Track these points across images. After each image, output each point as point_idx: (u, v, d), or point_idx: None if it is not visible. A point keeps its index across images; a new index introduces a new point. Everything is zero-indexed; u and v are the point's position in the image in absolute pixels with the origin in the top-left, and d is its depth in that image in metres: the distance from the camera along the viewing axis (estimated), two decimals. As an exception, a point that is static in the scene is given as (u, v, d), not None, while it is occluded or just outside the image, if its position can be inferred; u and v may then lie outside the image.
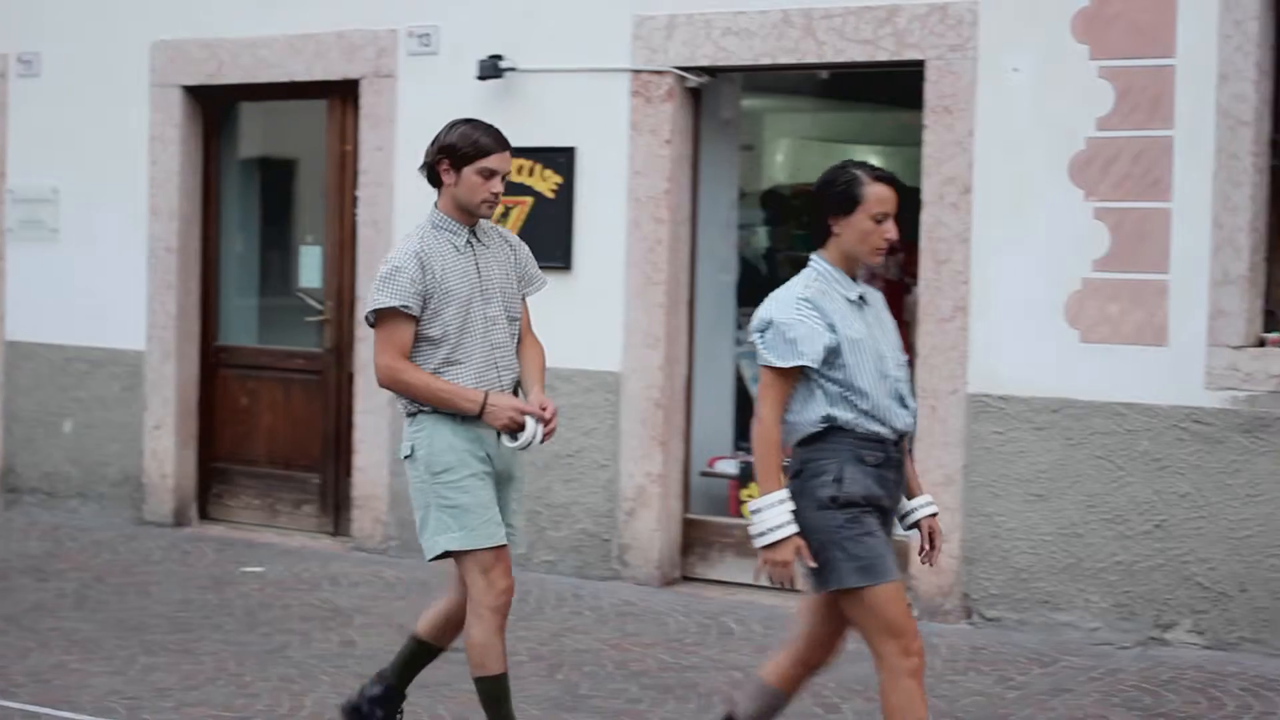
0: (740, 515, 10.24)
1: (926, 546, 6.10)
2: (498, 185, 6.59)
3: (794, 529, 5.80)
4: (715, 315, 10.57)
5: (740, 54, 9.82)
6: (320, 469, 11.69)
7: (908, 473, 6.03)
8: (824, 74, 10.63)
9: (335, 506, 11.62)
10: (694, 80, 10.04)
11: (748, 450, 10.74)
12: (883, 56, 9.41)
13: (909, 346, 10.86)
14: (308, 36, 11.26)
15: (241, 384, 12.05)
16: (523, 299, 6.79)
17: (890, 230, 5.86)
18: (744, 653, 8.57)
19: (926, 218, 9.27)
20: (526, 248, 6.92)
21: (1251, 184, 8.48)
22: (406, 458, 6.58)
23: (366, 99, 11.08)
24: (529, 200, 10.42)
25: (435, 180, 6.65)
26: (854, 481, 5.84)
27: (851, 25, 9.47)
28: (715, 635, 8.98)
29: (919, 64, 9.34)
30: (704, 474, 10.50)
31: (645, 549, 10.13)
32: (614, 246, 10.18)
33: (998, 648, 8.70)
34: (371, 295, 6.53)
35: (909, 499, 6.06)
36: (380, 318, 6.52)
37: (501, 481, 6.62)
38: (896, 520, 6.04)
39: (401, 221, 10.85)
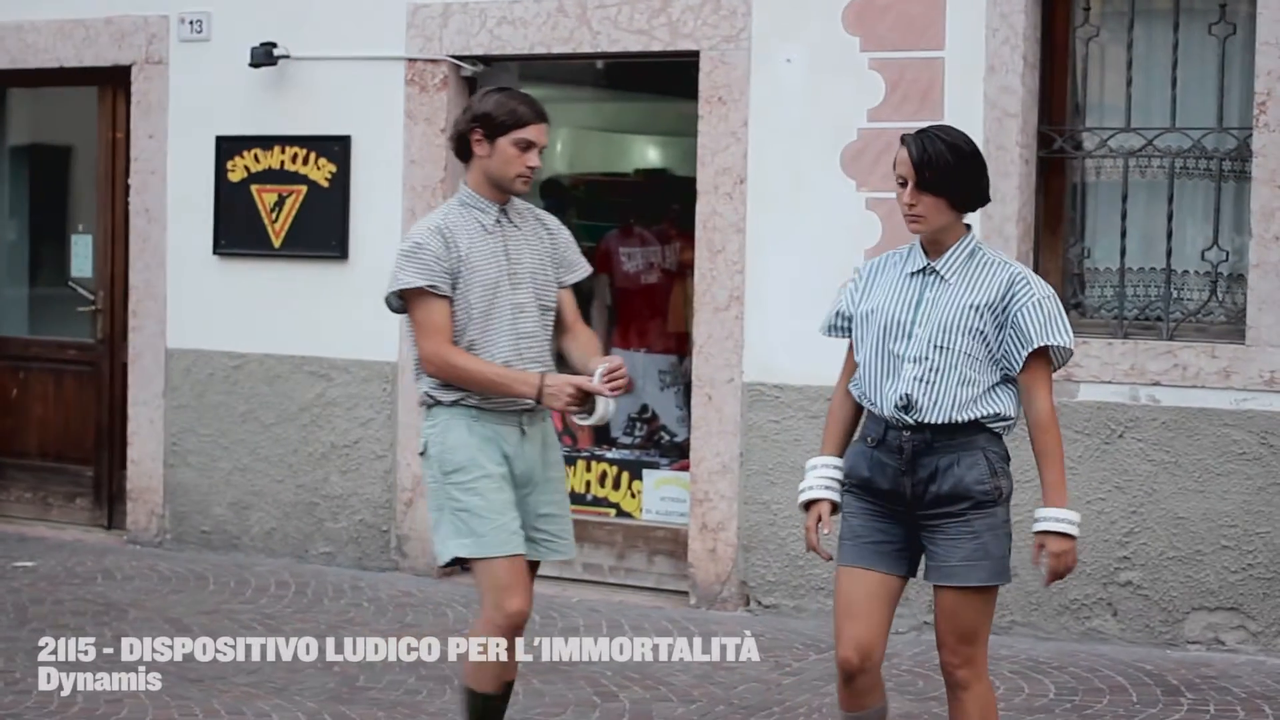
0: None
1: (1039, 564, 5.73)
2: (535, 159, 6.11)
3: (814, 494, 5.77)
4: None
5: (515, 43, 9.82)
6: (94, 461, 11.52)
7: (1043, 480, 5.68)
8: (600, 64, 10.65)
9: (109, 499, 11.45)
10: (469, 69, 10.02)
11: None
12: (657, 47, 9.45)
13: (685, 337, 10.96)
14: (77, 22, 11.07)
15: (12, 375, 11.83)
16: (563, 287, 6.37)
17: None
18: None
19: (702, 208, 9.33)
20: (567, 232, 6.46)
21: (1019, 175, 8.63)
22: (421, 454, 6.22)
23: (138, 86, 10.92)
24: (303, 189, 10.34)
25: (464, 152, 6.20)
26: (849, 456, 5.78)
27: (625, 15, 9.50)
28: (494, 625, 8.97)
29: (693, 54, 9.39)
30: (482, 463, 10.47)
31: (424, 540, 10.09)
32: (390, 236, 10.09)
33: (774, 634, 8.78)
34: (394, 274, 6.12)
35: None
36: (410, 301, 6.11)
37: (525, 484, 6.19)
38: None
39: (175, 209, 10.73)
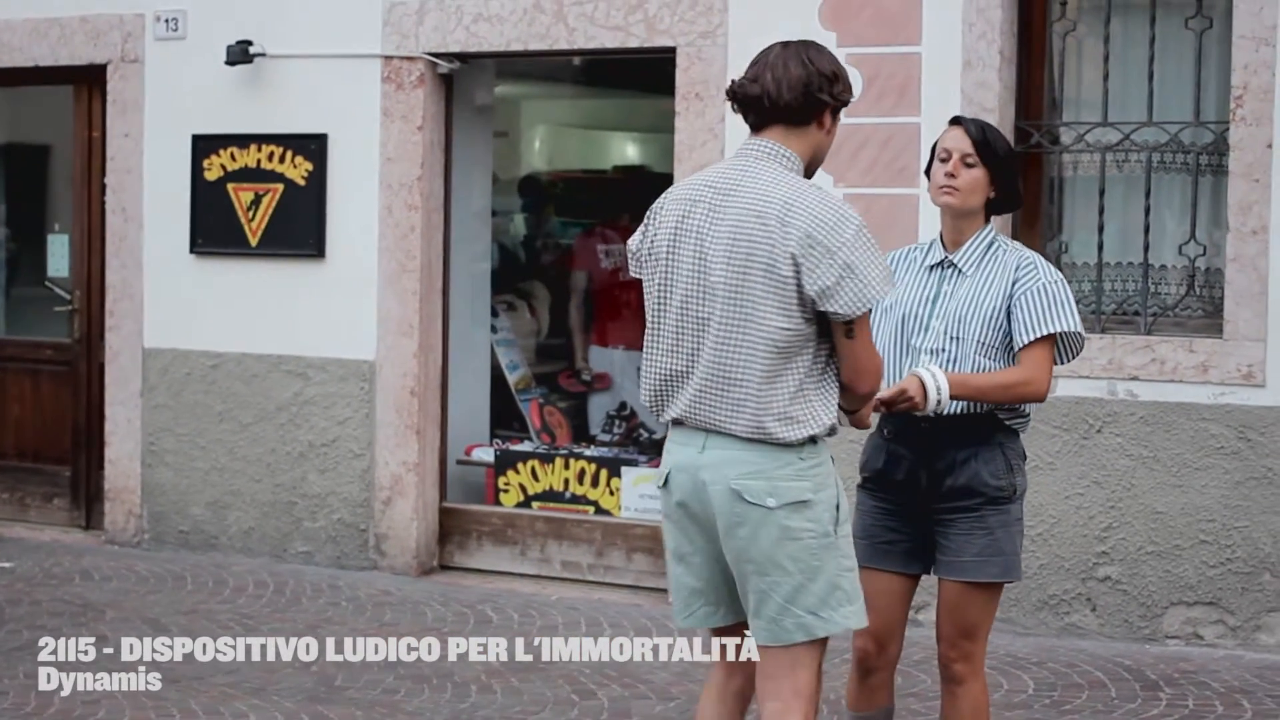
0: (498, 503, 10.23)
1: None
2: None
3: None
4: (470, 302, 10.54)
5: (492, 40, 9.80)
6: (71, 461, 11.48)
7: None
8: (577, 61, 10.64)
9: (87, 499, 11.42)
10: (446, 66, 10.00)
11: (504, 438, 10.77)
12: (634, 43, 9.44)
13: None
14: (52, 21, 11.03)
15: (-11, 375, 11.81)
16: None
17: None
18: (501, 641, 8.55)
19: (679, 204, 9.30)
20: None
21: (996, 170, 8.62)
22: (798, 503, 5.01)
23: (113, 84, 10.88)
24: (280, 187, 10.31)
25: None
26: (864, 449, 5.83)
27: (602, 12, 9.48)
28: (473, 624, 8.96)
29: (670, 50, 9.38)
30: (460, 462, 10.48)
31: (402, 538, 10.08)
32: (366, 234, 10.11)
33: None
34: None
35: None
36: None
37: None
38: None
39: (151, 209, 10.70)
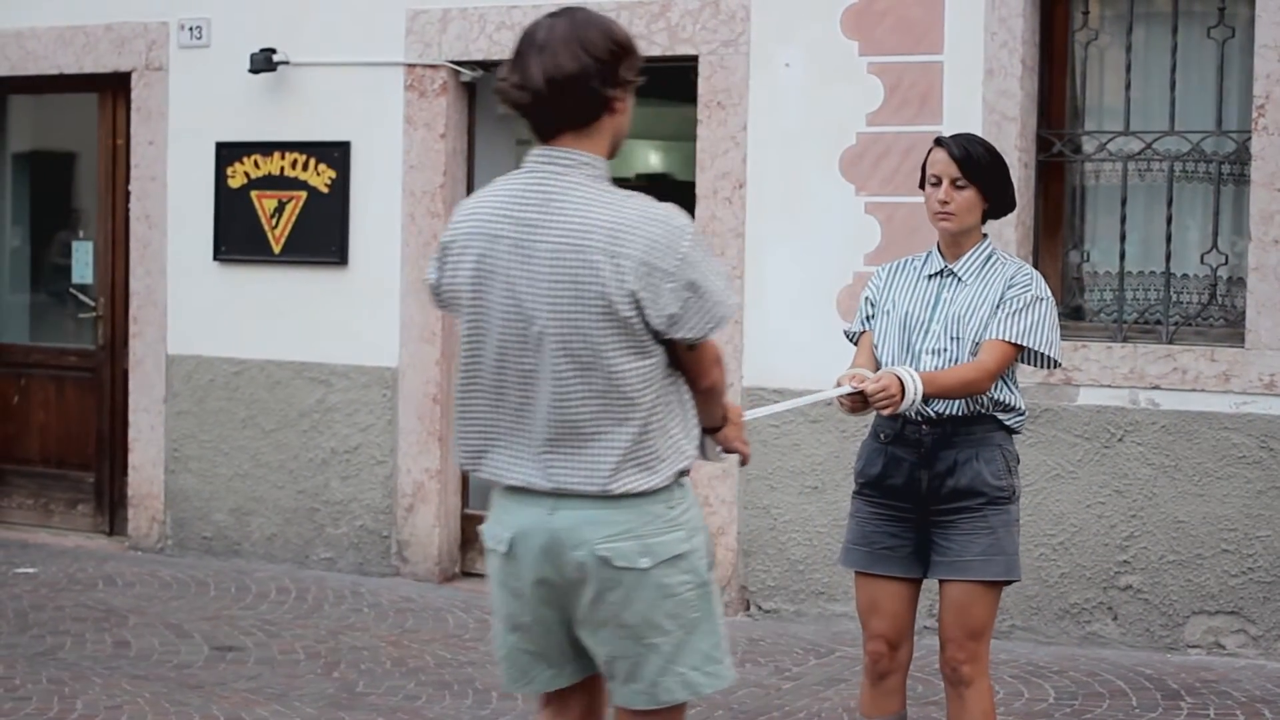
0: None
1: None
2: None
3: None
4: (493, 310, 10.54)
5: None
6: (95, 468, 11.52)
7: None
8: (600, 68, 10.62)
9: (110, 506, 11.45)
10: (468, 74, 10.02)
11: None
12: (656, 51, 9.44)
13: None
14: (77, 29, 11.07)
15: (13, 382, 11.83)
16: None
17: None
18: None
19: (701, 212, 9.33)
20: None
21: (1018, 179, 8.61)
22: (673, 557, 4.48)
23: (138, 92, 10.92)
24: (303, 195, 10.34)
25: None
26: (860, 456, 5.86)
27: (624, 20, 9.49)
28: (494, 630, 8.96)
29: (692, 59, 9.39)
30: (482, 469, 10.47)
31: (424, 545, 10.10)
32: (389, 241, 10.13)
33: (774, 639, 8.78)
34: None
35: None
36: None
37: None
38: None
39: (175, 216, 10.73)
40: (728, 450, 4.72)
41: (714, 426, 4.65)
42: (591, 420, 4.37)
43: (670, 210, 4.39)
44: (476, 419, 4.52)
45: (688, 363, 4.47)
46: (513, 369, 4.41)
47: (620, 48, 4.40)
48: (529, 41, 4.37)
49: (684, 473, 4.48)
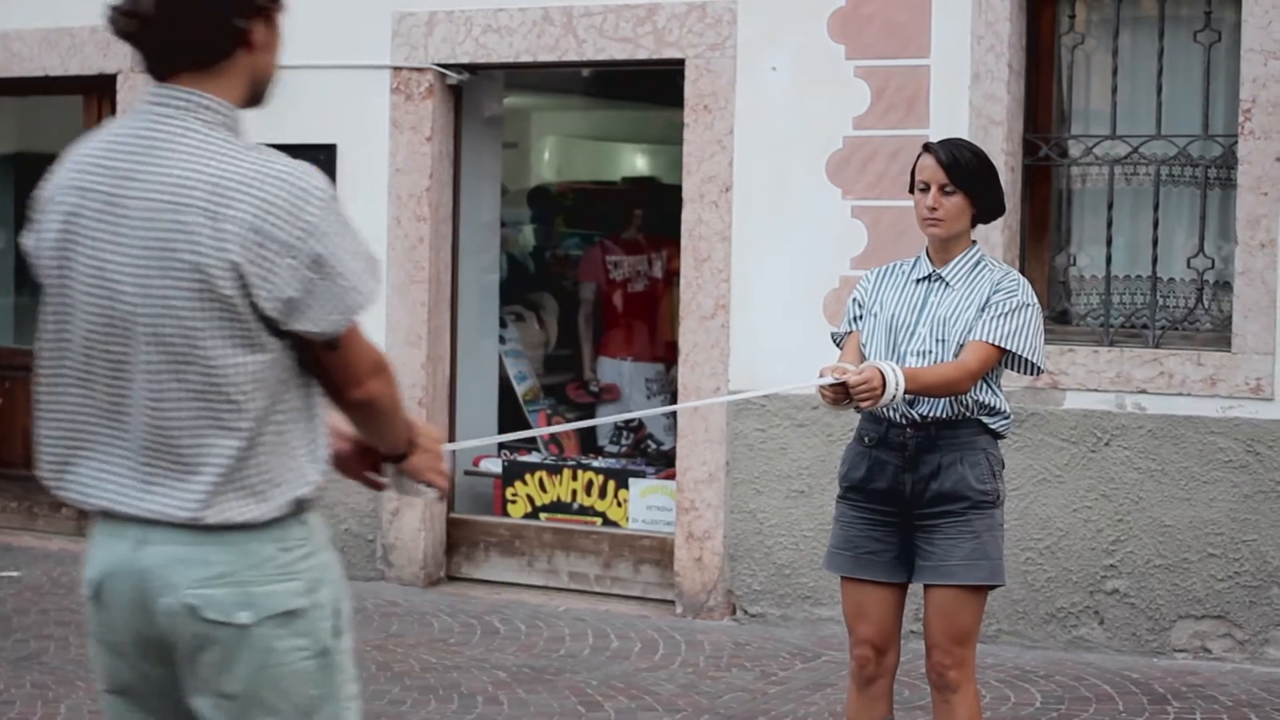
0: (505, 514, 10.23)
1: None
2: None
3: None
4: (478, 313, 10.54)
5: (501, 51, 9.80)
6: (79, 471, 11.46)
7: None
8: (586, 72, 10.64)
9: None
10: (454, 77, 10.00)
11: (512, 449, 10.76)
12: (643, 55, 9.44)
13: (672, 345, 10.94)
14: (62, 30, 11.04)
15: (-2, 384, 11.81)
16: None
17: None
18: (508, 652, 8.55)
19: (688, 216, 9.32)
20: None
21: (1005, 182, 8.55)
22: (284, 613, 3.60)
23: (123, 95, 10.88)
24: (289, 198, 10.31)
25: None
26: (844, 460, 5.86)
27: (611, 23, 9.48)
28: (480, 635, 8.95)
29: (679, 63, 9.38)
30: (468, 473, 10.48)
31: (410, 549, 10.07)
32: (375, 244, 9.93)
33: (761, 643, 8.76)
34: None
35: None
36: None
37: None
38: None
39: (160, 219, 10.70)
40: (419, 482, 3.93)
41: (394, 454, 3.85)
42: (190, 429, 3.51)
43: (301, 167, 3.55)
44: (60, 421, 3.66)
45: (330, 367, 3.62)
46: (100, 359, 3.56)
47: None
48: None
49: (304, 504, 3.61)
